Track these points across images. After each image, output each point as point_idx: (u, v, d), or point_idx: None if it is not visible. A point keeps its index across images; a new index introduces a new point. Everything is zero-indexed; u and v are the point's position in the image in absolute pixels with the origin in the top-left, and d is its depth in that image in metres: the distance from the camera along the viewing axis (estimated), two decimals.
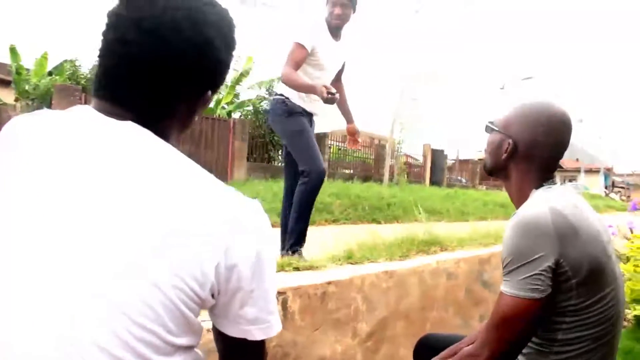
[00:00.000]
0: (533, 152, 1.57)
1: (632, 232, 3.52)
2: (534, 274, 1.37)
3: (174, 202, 0.84)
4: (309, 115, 3.64)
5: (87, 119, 0.91)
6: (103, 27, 0.94)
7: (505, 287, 1.42)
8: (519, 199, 1.59)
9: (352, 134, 3.97)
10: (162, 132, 0.92)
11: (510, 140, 1.59)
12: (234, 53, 1.03)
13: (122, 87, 0.92)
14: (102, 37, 0.94)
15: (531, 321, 1.41)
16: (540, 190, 1.55)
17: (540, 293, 1.38)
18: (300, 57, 3.40)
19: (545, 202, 1.45)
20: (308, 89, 3.33)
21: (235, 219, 0.88)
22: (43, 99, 12.19)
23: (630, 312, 3.37)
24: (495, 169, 1.68)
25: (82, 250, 0.79)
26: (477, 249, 4.03)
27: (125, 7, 0.91)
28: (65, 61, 14.43)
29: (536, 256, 1.37)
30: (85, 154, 0.85)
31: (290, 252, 3.28)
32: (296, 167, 3.49)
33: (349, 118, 3.98)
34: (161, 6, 0.90)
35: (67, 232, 0.80)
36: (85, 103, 8.61)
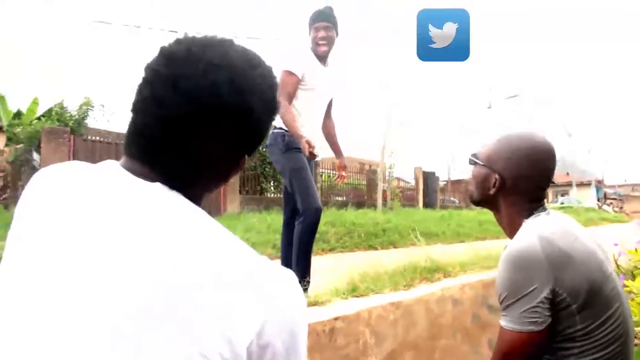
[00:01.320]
0: (519, 185, 1.59)
1: (636, 250, 3.49)
2: (530, 307, 1.38)
3: (202, 277, 0.75)
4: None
5: (114, 179, 0.85)
6: (140, 80, 0.88)
7: (504, 322, 1.44)
8: (512, 230, 1.60)
9: (342, 168, 4.00)
10: (192, 194, 0.87)
11: (497, 176, 1.61)
12: (274, 117, 0.98)
13: (154, 148, 0.86)
14: (137, 91, 0.88)
15: (533, 353, 1.42)
16: (530, 219, 1.56)
17: (539, 325, 1.38)
18: (292, 85, 3.41)
19: (534, 231, 1.46)
20: (294, 135, 3.33)
21: (269, 296, 0.79)
22: (31, 142, 12.13)
23: None
24: (483, 202, 1.70)
25: (84, 320, 0.72)
26: (480, 272, 3.99)
27: (164, 64, 0.86)
28: (57, 105, 14.42)
29: (531, 289, 1.38)
30: (108, 216, 0.79)
31: None
32: (295, 200, 3.48)
33: (338, 153, 4.02)
34: (202, 66, 0.84)
35: (71, 298, 0.73)
36: (74, 145, 8.52)
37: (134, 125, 0.88)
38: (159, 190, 0.84)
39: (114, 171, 0.87)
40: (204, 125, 0.85)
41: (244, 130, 0.90)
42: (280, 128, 3.54)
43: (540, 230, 1.46)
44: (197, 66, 0.84)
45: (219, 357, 0.72)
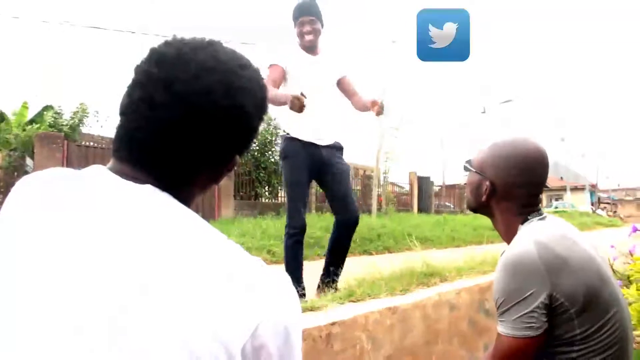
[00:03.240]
0: (511, 192, 1.61)
1: (632, 255, 3.48)
2: (527, 312, 1.39)
3: (194, 278, 0.74)
4: (315, 148, 3.62)
5: (102, 182, 0.84)
6: (129, 82, 0.88)
7: (501, 328, 1.44)
8: (508, 236, 1.62)
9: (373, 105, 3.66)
10: (183, 195, 0.87)
11: (488, 182, 1.63)
12: (264, 117, 0.98)
13: (145, 150, 0.85)
14: (126, 94, 0.87)
15: (529, 358, 1.42)
16: (526, 225, 1.57)
17: (535, 331, 1.39)
18: (276, 74, 3.50)
19: (531, 237, 1.47)
20: (281, 99, 3.33)
21: (263, 297, 0.78)
22: (24, 148, 12.07)
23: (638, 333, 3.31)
24: (478, 208, 1.73)
25: (73, 324, 0.70)
26: (476, 277, 3.98)
27: (156, 66, 0.85)
28: (46, 108, 14.32)
29: (527, 294, 1.39)
30: (95, 219, 0.78)
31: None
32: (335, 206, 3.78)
33: (367, 102, 3.72)
34: (194, 68, 0.84)
35: (53, 301, 0.71)
36: (67, 150, 8.54)
37: (124, 129, 0.88)
38: (149, 192, 0.83)
39: (101, 175, 0.86)
40: (196, 126, 0.85)
41: (235, 129, 0.90)
42: (283, 130, 3.61)
43: (536, 235, 1.47)
44: (189, 68, 0.84)
45: (213, 358, 0.71)
